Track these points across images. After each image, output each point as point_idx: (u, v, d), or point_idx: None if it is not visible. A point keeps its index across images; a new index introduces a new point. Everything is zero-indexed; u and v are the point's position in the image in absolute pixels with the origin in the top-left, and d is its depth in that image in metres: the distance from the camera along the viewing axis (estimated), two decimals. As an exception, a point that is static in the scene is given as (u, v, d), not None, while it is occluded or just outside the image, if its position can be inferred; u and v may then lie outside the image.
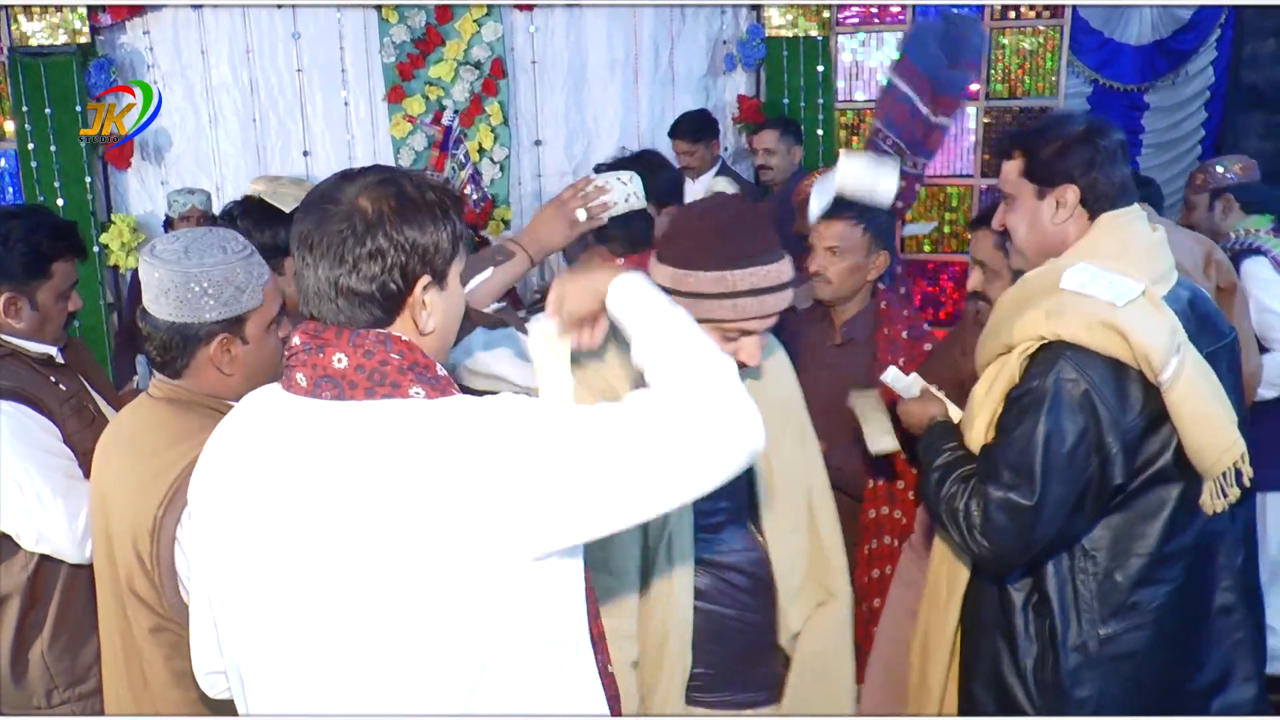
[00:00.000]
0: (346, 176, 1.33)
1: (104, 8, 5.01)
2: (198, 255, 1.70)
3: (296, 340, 1.33)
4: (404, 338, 1.32)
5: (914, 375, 2.33)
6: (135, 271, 4.93)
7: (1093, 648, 1.88)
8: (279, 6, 5.24)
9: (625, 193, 2.28)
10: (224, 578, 1.40)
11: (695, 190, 4.92)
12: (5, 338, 2.28)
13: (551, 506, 1.26)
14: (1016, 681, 1.93)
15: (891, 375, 2.34)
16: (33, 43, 4.96)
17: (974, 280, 2.53)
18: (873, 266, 2.88)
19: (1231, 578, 1.98)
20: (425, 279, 1.32)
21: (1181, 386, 1.80)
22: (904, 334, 2.90)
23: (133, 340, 3.50)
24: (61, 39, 4.97)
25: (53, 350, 2.35)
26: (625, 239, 2.58)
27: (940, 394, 2.28)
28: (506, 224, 5.45)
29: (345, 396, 1.28)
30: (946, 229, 5.63)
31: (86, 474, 2.24)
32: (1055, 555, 1.90)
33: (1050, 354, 1.84)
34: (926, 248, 5.66)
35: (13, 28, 4.97)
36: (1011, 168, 2.01)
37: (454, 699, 1.28)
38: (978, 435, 1.97)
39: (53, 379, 2.31)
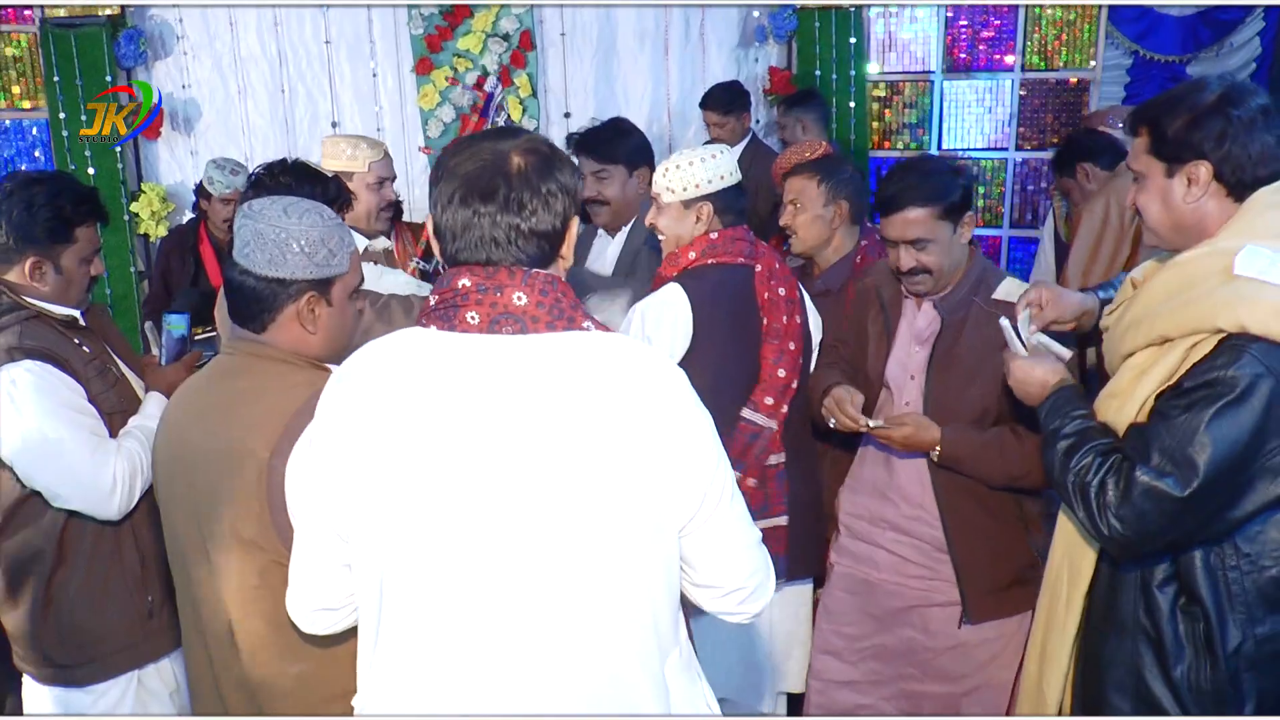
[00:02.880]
0: (489, 136, 1.46)
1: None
2: (297, 216, 1.77)
3: (466, 282, 1.40)
4: (561, 278, 1.46)
5: (1022, 317, 2.15)
6: (164, 240, 4.95)
7: (1249, 650, 1.76)
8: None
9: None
10: (392, 508, 1.40)
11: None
12: (30, 300, 2.29)
13: (703, 438, 1.46)
14: (1165, 690, 1.81)
15: (1006, 325, 2.15)
16: (63, 13, 4.97)
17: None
18: (835, 215, 2.95)
19: None
20: (575, 218, 1.48)
21: None
22: None
23: (161, 308, 3.52)
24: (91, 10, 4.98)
25: (76, 313, 2.36)
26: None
27: (1061, 351, 2.13)
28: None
29: (528, 330, 1.39)
30: (980, 202, 5.55)
31: (111, 435, 2.28)
32: (1204, 552, 1.77)
33: (1231, 347, 1.68)
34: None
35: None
36: (1139, 145, 1.87)
37: (646, 629, 1.44)
38: (1123, 422, 1.83)
39: (76, 341, 2.32)
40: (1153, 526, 1.72)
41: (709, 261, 2.54)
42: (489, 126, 4.17)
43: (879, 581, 2.62)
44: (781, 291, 2.63)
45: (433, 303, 1.44)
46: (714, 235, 2.56)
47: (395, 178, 3.23)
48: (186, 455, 1.81)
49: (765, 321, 2.59)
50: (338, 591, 1.54)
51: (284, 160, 2.58)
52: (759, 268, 2.60)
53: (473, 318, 1.39)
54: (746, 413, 2.57)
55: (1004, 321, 2.16)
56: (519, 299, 1.39)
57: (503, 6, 5.24)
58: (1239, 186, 1.79)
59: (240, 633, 1.77)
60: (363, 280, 1.94)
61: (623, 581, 1.40)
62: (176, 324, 2.56)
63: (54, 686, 2.37)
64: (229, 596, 1.77)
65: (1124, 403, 1.83)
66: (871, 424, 2.45)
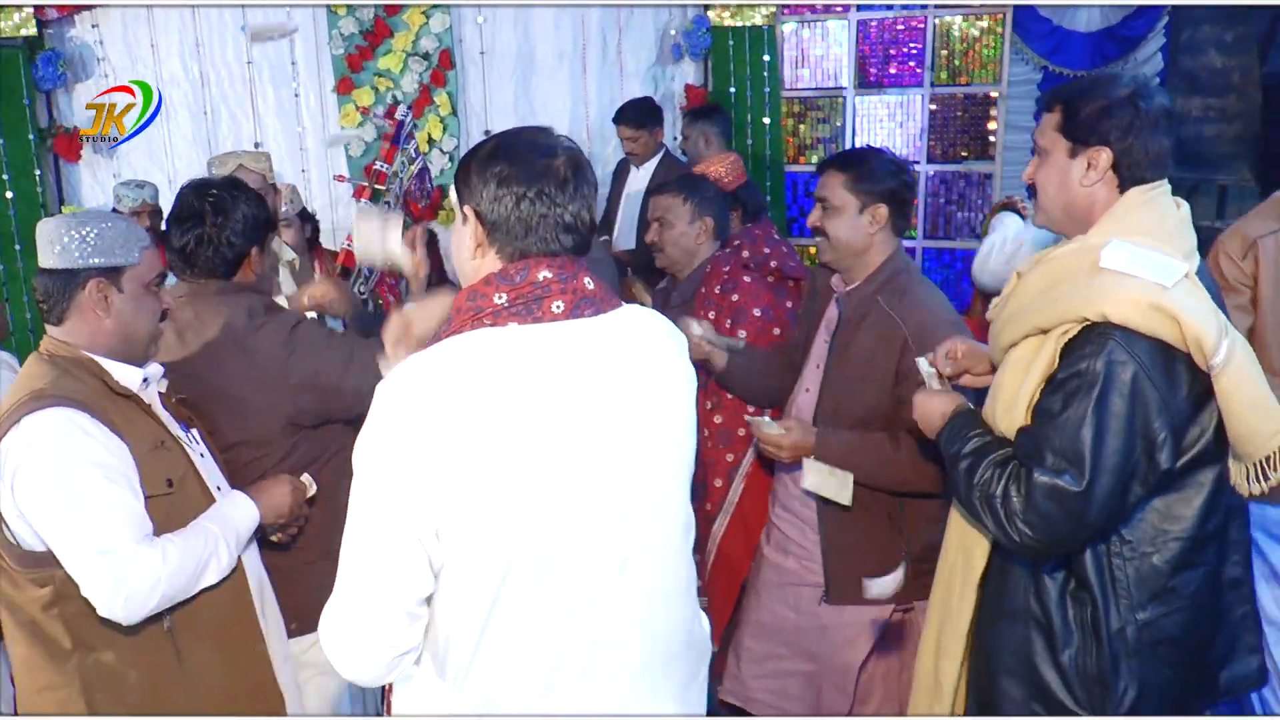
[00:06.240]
0: (538, 132, 1.56)
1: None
2: (82, 215, 1.96)
3: (547, 274, 1.48)
4: None
5: (933, 367, 2.21)
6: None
7: (1131, 634, 1.83)
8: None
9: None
10: (527, 500, 1.43)
11: (639, 177, 4.98)
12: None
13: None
14: (1053, 673, 1.87)
15: (922, 364, 2.21)
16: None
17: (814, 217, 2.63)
18: (700, 231, 3.09)
19: (1240, 551, 1.96)
20: None
21: (1232, 371, 1.74)
22: (716, 289, 3.06)
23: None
24: (7, 33, 4.99)
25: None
26: None
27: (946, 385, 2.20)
28: (459, 213, 5.48)
29: (601, 310, 1.51)
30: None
31: None
32: (1092, 541, 1.84)
33: (1097, 336, 1.76)
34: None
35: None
36: (1049, 121, 1.94)
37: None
38: (1016, 421, 1.88)
39: None
40: (1060, 527, 1.78)
41: None
42: (400, 154, 4.23)
43: (766, 556, 2.76)
44: None
45: (502, 300, 1.46)
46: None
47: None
48: None
49: None
50: (417, 629, 1.49)
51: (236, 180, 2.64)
52: None
53: (558, 306, 1.47)
54: None
55: (920, 361, 2.22)
56: (589, 284, 1.51)
57: (423, 25, 5.31)
58: (1129, 180, 1.89)
59: None
60: (164, 277, 2.06)
61: (688, 520, 1.64)
62: None
63: None
64: None
65: (1011, 404, 1.89)
66: (752, 419, 2.58)
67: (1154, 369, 1.75)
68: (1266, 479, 1.80)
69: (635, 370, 1.52)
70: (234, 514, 2.04)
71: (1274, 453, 1.78)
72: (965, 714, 2.06)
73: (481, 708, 1.47)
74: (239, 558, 2.03)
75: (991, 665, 1.96)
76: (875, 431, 2.50)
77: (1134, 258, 1.79)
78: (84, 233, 1.89)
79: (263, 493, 2.14)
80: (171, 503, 1.92)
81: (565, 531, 1.46)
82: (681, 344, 1.64)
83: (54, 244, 1.90)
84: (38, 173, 5.12)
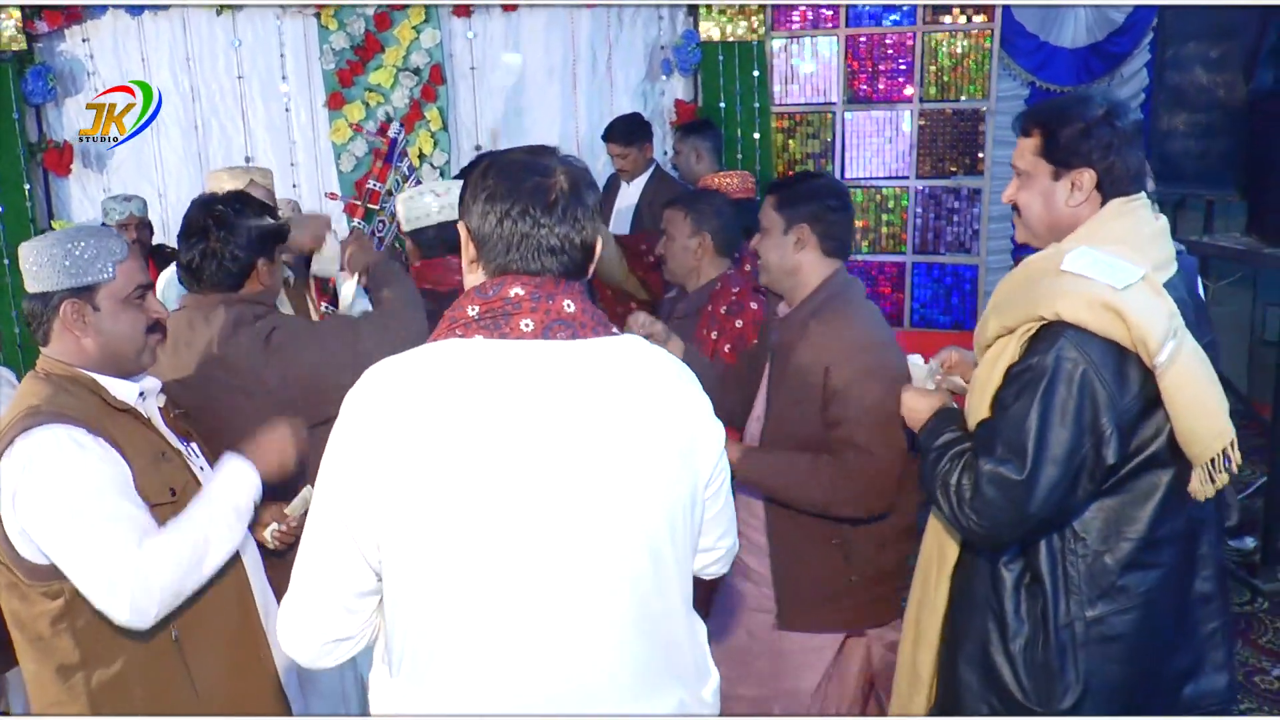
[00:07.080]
0: (538, 152, 1.55)
1: (39, 13, 5.03)
2: (55, 236, 1.92)
3: (519, 291, 1.47)
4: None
5: (930, 366, 2.27)
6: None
7: (1079, 629, 1.88)
8: (219, 11, 5.28)
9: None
10: (466, 513, 1.42)
11: (629, 193, 5.00)
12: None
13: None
14: (1004, 662, 1.93)
15: (914, 361, 2.28)
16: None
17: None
18: (698, 246, 3.14)
19: (1211, 566, 1.99)
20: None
21: (1176, 371, 1.80)
22: (722, 309, 3.09)
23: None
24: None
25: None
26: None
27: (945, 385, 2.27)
28: (448, 228, 5.49)
29: (579, 335, 1.48)
30: (885, 229, 5.71)
31: None
32: (1047, 536, 1.90)
33: (1051, 333, 1.83)
34: (864, 248, 5.74)
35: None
36: (1028, 145, 1.99)
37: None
38: (981, 415, 1.95)
39: None
40: (1001, 515, 1.85)
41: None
42: (394, 171, 4.24)
43: (726, 581, 2.74)
44: None
45: (474, 313, 1.47)
46: (417, 264, 2.97)
47: None
48: None
49: None
50: (355, 621, 1.52)
51: (243, 193, 2.64)
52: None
53: (527, 325, 1.45)
54: None
55: (913, 358, 2.28)
56: (569, 306, 1.48)
57: (414, 41, 5.32)
58: (1110, 195, 1.95)
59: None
60: (145, 289, 1.99)
61: (675, 562, 1.54)
62: None
63: None
64: None
65: (980, 400, 1.96)
66: None
67: (1104, 367, 1.81)
68: (1213, 481, 1.86)
69: (607, 399, 1.47)
70: (223, 490, 1.97)
71: (1218, 455, 1.84)
72: (935, 702, 2.11)
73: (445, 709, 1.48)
74: (243, 562, 2.03)
75: (956, 654, 2.02)
76: (810, 454, 2.48)
77: (1094, 262, 1.86)
78: (54, 254, 1.88)
79: (256, 449, 2.05)
80: (175, 511, 1.91)
81: (509, 555, 1.43)
82: (686, 379, 1.57)
83: (30, 267, 1.90)
84: (27, 187, 5.12)
